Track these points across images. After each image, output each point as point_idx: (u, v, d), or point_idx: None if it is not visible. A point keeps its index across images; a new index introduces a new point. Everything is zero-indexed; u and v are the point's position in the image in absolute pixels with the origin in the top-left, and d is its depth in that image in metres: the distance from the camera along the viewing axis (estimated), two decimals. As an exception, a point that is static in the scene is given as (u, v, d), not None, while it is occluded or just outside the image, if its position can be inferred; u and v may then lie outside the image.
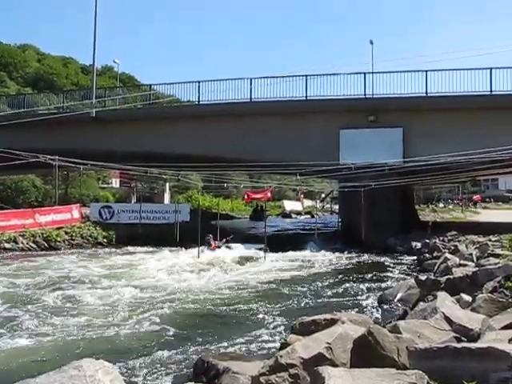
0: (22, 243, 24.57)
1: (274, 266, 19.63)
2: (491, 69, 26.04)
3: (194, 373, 6.36)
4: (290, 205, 72.22)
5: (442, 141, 25.33)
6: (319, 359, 4.37)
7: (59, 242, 25.96)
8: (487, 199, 73.32)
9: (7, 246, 23.92)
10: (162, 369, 7.19)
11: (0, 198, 44.96)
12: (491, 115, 25.60)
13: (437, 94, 26.71)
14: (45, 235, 25.76)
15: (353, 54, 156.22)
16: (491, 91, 25.92)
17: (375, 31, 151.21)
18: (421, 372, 3.53)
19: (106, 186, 67.59)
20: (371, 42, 39.30)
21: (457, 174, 25.99)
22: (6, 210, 29.09)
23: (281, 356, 4.46)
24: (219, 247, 23.58)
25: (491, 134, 24.52)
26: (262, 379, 4.33)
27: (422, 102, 26.80)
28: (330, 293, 13.77)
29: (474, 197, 71.77)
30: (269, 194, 29.68)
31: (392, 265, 19.92)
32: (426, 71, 26.98)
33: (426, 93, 26.84)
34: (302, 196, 61.30)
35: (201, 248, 21.88)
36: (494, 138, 23.19)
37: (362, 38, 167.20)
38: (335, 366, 4.23)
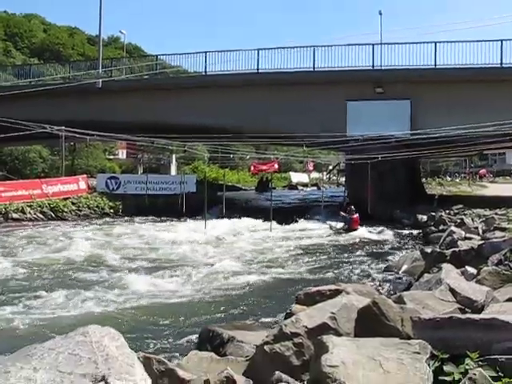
0: (30, 213, 24.75)
1: (279, 236, 19.72)
2: (502, 41, 25.70)
3: (199, 341, 6.42)
4: (296, 177, 72.20)
5: (450, 113, 25.09)
6: (323, 329, 4.39)
7: (66, 212, 26.16)
8: (489, 174, 72.39)
9: (15, 216, 24.11)
10: (168, 337, 7.28)
11: (7, 169, 45.25)
12: (501, 88, 25.29)
13: (445, 66, 26.39)
14: (52, 206, 25.93)
15: (362, 25, 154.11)
16: (501, 64, 25.56)
17: (385, 4, 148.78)
18: (424, 342, 3.55)
19: (112, 157, 67.68)
20: (380, 13, 38.88)
21: (464, 148, 25.79)
22: (13, 181, 29.24)
23: (285, 325, 4.48)
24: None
25: (500, 107, 24.21)
26: (266, 348, 4.36)
27: (430, 74, 26.49)
28: (334, 264, 13.84)
29: (480, 171, 71.41)
30: (275, 166, 29.64)
31: (397, 237, 19.97)
32: (435, 43, 26.65)
33: (435, 65, 26.51)
34: (311, 167, 61.02)
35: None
36: (503, 112, 22.91)
37: (372, 9, 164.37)
38: (339, 335, 4.25)
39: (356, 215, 21.77)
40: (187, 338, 7.17)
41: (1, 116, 24.13)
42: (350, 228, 21.47)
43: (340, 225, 22.10)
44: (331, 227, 22.12)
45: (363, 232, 21.12)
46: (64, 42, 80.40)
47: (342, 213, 22.52)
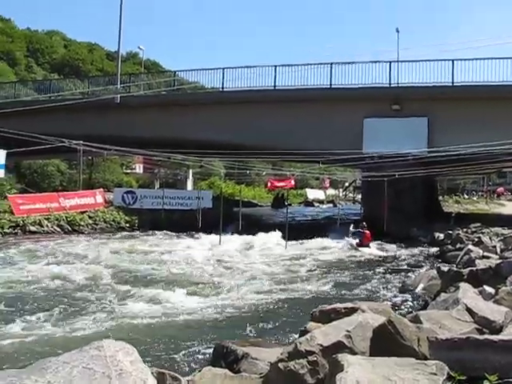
0: (47, 226, 24.93)
1: (294, 253, 19.65)
2: (520, 58, 25.54)
3: (213, 357, 6.40)
4: (312, 193, 72.04)
5: (467, 131, 24.93)
6: (338, 347, 4.35)
7: (83, 225, 26.31)
8: (507, 192, 71.47)
9: (32, 228, 24.29)
10: (182, 353, 7.26)
11: (26, 182, 45.71)
12: (519, 105, 25.11)
13: (463, 84, 26.28)
14: (69, 219, 26.11)
15: (378, 42, 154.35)
16: (519, 81, 25.41)
17: (401, 20, 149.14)
18: (441, 363, 3.50)
19: (129, 171, 68.07)
20: (397, 30, 38.97)
21: (482, 165, 25.62)
22: (31, 194, 29.52)
23: (300, 343, 4.45)
24: None
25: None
26: (280, 365, 4.33)
27: (447, 91, 26.37)
28: (350, 282, 13.75)
29: (498, 189, 70.67)
30: (292, 182, 29.65)
31: (414, 255, 19.81)
32: (453, 60, 26.58)
33: (453, 82, 26.42)
34: (328, 184, 60.87)
35: None
36: (522, 129, 22.74)
37: (388, 26, 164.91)
38: (354, 354, 4.21)
39: (367, 231, 21.81)
40: (201, 354, 7.16)
41: (21, 130, 24.41)
42: (362, 244, 21.55)
43: (354, 241, 22.12)
44: (348, 244, 22.07)
45: (375, 249, 21.22)
46: (83, 57, 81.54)
47: (352, 229, 22.74)
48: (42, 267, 14.80)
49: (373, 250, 21.17)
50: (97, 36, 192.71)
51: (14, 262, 15.78)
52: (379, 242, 22.61)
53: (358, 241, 21.99)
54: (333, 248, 21.64)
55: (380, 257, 19.40)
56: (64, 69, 74.49)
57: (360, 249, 21.13)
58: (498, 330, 4.99)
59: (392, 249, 21.43)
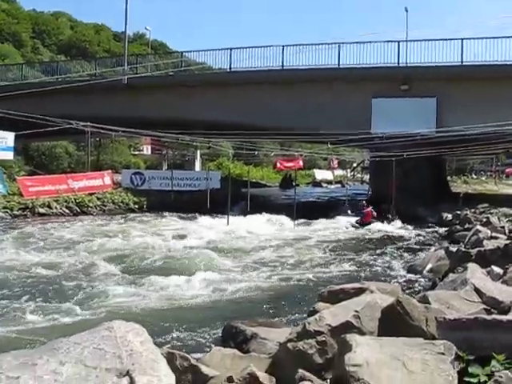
0: (56, 208, 25.06)
1: (302, 234, 19.68)
2: (528, 37, 25.23)
3: (223, 338, 6.46)
4: (320, 174, 71.93)
5: (476, 111, 24.74)
6: (347, 327, 4.38)
7: (91, 207, 26.45)
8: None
9: (41, 210, 24.43)
10: (191, 333, 7.31)
11: (34, 164, 45.86)
12: (530, 84, 24.85)
13: (472, 63, 26.01)
14: (77, 200, 26.24)
15: (387, 21, 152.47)
16: (531, 60, 25.13)
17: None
18: (449, 343, 3.51)
19: (137, 152, 68.05)
20: (406, 10, 38.53)
21: (491, 146, 25.46)
22: (40, 176, 29.64)
23: (309, 323, 4.48)
24: None
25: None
26: (289, 345, 4.36)
27: (456, 71, 26.13)
28: (358, 262, 13.78)
29: (507, 169, 70.22)
30: (300, 163, 29.59)
31: (422, 235, 19.80)
32: (462, 39, 26.29)
33: (462, 62, 26.15)
34: (336, 163, 60.69)
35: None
36: (532, 109, 22.53)
37: (398, 5, 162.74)
38: (363, 334, 4.24)
39: (368, 209, 22.47)
40: (210, 335, 7.21)
41: (29, 112, 24.44)
42: (363, 222, 22.20)
43: (354, 219, 22.89)
44: (350, 223, 22.56)
45: (381, 226, 21.72)
46: (90, 38, 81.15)
47: (349, 212, 23.90)
48: (50, 250, 14.87)
49: (376, 225, 21.75)
50: (103, 17, 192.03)
51: (22, 244, 15.84)
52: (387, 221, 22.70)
53: (358, 219, 22.59)
54: (340, 228, 21.69)
55: (389, 236, 19.39)
56: (71, 50, 74.20)
57: (367, 227, 21.57)
58: (507, 310, 4.99)
59: (400, 228, 21.43)
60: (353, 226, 22.14)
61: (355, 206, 24.02)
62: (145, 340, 3.13)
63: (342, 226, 22.32)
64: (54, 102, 30.60)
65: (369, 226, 21.72)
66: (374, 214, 22.72)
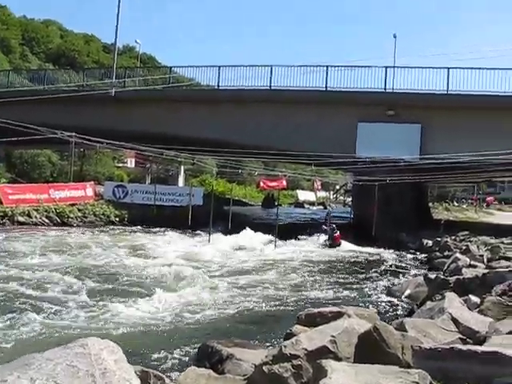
0: (36, 217, 24.82)
1: (283, 255, 19.65)
2: (515, 68, 25.68)
3: (198, 357, 6.40)
4: (303, 195, 72.23)
5: (460, 140, 25.05)
6: (323, 352, 4.37)
7: (72, 218, 26.22)
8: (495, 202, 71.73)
9: (21, 219, 24.17)
10: (166, 352, 7.22)
11: (16, 172, 45.46)
12: (512, 116, 25.24)
13: (458, 92, 26.40)
14: (58, 211, 26.01)
15: (375, 48, 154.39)
16: (514, 92, 25.54)
17: (400, 28, 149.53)
18: (424, 372, 3.52)
19: (121, 165, 67.85)
20: (394, 36, 39.10)
21: (473, 174, 25.73)
22: (21, 184, 29.37)
23: (285, 346, 4.46)
24: None
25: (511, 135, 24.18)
26: (264, 368, 4.34)
27: (441, 99, 26.50)
28: (337, 285, 13.76)
29: (487, 198, 70.95)
30: (284, 183, 29.69)
31: (402, 261, 19.88)
32: (448, 68, 26.70)
33: (447, 90, 26.54)
34: (319, 185, 61.01)
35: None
36: (514, 140, 22.84)
37: (386, 33, 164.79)
38: (339, 359, 4.24)
39: (337, 233, 23.49)
40: (186, 354, 7.13)
41: (14, 119, 24.28)
42: (333, 244, 23.06)
43: (323, 238, 23.84)
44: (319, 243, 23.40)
45: (348, 245, 22.76)
46: (80, 48, 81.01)
47: (324, 226, 24.76)
48: (25, 262, 14.65)
49: (345, 246, 22.77)
50: (94, 27, 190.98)
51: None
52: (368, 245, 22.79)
53: (328, 239, 23.52)
54: (321, 250, 21.72)
55: (368, 261, 19.45)
56: (59, 59, 74.02)
57: (335, 248, 22.51)
58: (482, 340, 5.03)
59: (380, 253, 21.50)
60: (322, 245, 23.09)
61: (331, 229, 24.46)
62: (119, 358, 3.10)
63: (320, 246, 22.55)
64: (40, 110, 30.39)
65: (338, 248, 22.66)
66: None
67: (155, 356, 7.06)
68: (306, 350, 4.39)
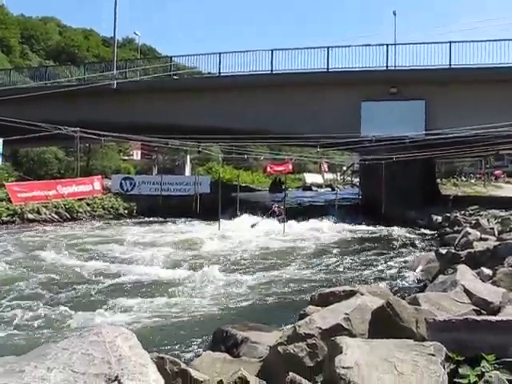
0: (45, 214, 24.90)
1: (292, 237, 19.69)
2: (517, 39, 25.43)
3: (213, 342, 6.41)
4: (310, 178, 72.03)
5: (464, 114, 24.87)
6: (337, 330, 4.37)
7: (81, 212, 26.31)
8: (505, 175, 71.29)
9: (30, 216, 24.25)
10: (181, 338, 7.28)
11: (23, 170, 45.57)
12: (517, 87, 25.01)
13: (460, 66, 26.18)
14: (67, 206, 26.08)
15: (376, 26, 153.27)
16: (517, 62, 25.30)
17: (400, 4, 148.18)
18: (439, 344, 3.51)
19: (127, 158, 67.93)
20: (394, 13, 38.82)
21: (479, 148, 25.56)
22: (29, 182, 29.45)
23: (299, 326, 4.47)
24: None
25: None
26: (279, 349, 4.35)
27: (444, 75, 26.30)
28: (349, 265, 13.79)
29: (495, 172, 70.54)
30: (290, 167, 29.63)
31: (412, 238, 19.86)
32: (450, 42, 26.47)
33: (450, 65, 26.32)
34: (326, 167, 60.82)
35: None
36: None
37: (386, 10, 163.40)
38: (353, 336, 4.24)
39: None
40: (201, 339, 7.17)
41: (18, 117, 24.31)
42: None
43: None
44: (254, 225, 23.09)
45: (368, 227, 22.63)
46: (79, 44, 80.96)
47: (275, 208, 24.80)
48: (38, 256, 14.77)
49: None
50: (92, 22, 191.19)
51: (11, 250, 15.75)
52: (378, 224, 22.76)
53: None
54: (330, 231, 21.71)
55: (378, 239, 19.43)
56: (60, 55, 74.02)
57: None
58: (496, 310, 5.01)
59: (390, 231, 21.46)
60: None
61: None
62: (134, 345, 3.10)
63: (335, 229, 22.39)
64: (43, 107, 30.46)
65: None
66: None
67: (170, 344, 7.09)
68: (320, 328, 4.39)
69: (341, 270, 13.13)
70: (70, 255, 14.92)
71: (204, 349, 6.27)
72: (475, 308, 5.04)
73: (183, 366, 4.14)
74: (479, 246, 10.59)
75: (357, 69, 27.58)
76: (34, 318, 8.27)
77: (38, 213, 24.74)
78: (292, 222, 22.90)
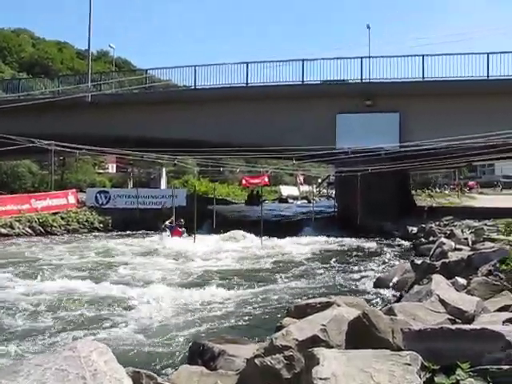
0: (18, 228, 24.54)
1: (269, 250, 19.67)
2: (488, 54, 25.96)
3: (190, 356, 6.36)
4: (286, 190, 72.08)
5: (438, 126, 25.21)
6: (314, 341, 4.37)
7: (55, 227, 25.95)
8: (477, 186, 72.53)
9: (3, 231, 23.88)
10: (157, 352, 7.21)
11: (-4, 184, 44.93)
12: (488, 100, 25.44)
13: (433, 79, 26.63)
14: (41, 220, 25.73)
15: (351, 39, 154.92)
16: (488, 76, 25.81)
17: (373, 17, 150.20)
18: (415, 353, 3.54)
19: (102, 171, 67.43)
20: (368, 27, 39.42)
21: (453, 159, 25.93)
22: (1, 196, 29.02)
23: (276, 338, 4.46)
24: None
25: (488, 119, 24.36)
26: (256, 361, 4.33)
27: (418, 87, 26.71)
28: (325, 277, 13.82)
29: (469, 183, 71.60)
30: (266, 179, 29.64)
31: (388, 249, 19.99)
32: (423, 56, 26.94)
33: (423, 77, 26.75)
34: (302, 179, 60.99)
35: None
36: (491, 123, 23.03)
37: (360, 23, 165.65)
38: (330, 347, 4.24)
39: (179, 229, 23.62)
40: (177, 353, 7.11)
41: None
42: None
43: (166, 234, 23.66)
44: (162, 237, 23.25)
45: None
46: (53, 56, 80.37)
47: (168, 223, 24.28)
48: (10, 274, 14.47)
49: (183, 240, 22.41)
50: (66, 35, 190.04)
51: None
52: (354, 236, 22.85)
53: (169, 234, 23.51)
54: (307, 244, 21.71)
55: (354, 251, 19.52)
56: (33, 68, 73.33)
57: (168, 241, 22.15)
58: (471, 319, 5.07)
59: (366, 243, 21.57)
60: (162, 239, 22.68)
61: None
62: (109, 359, 3.07)
63: (311, 242, 22.38)
64: (16, 120, 30.10)
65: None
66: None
67: (146, 358, 7.02)
68: (296, 340, 4.39)
69: (317, 281, 13.16)
70: (38, 271, 14.61)
71: (181, 362, 6.22)
72: (450, 317, 5.09)
73: (160, 380, 4.11)
74: (454, 256, 10.72)
75: (332, 82, 27.84)
76: (5, 336, 8.10)
77: (11, 227, 24.36)
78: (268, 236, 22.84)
